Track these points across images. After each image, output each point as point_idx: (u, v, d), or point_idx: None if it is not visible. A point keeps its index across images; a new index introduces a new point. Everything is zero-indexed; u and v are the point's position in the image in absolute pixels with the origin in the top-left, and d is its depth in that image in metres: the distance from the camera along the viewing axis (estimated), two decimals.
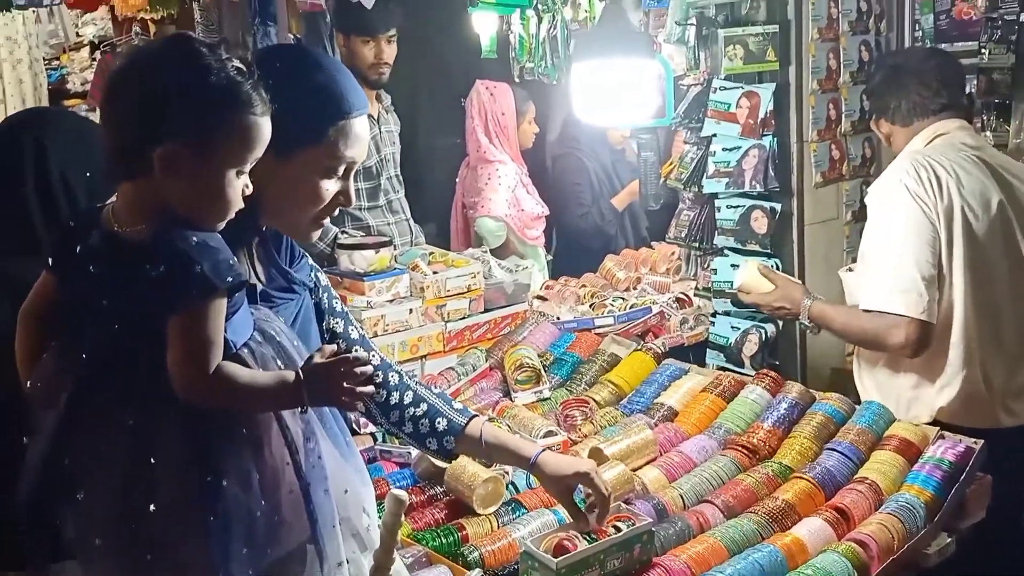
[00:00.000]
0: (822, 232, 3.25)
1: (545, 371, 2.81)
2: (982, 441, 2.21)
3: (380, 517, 1.56)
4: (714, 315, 3.26)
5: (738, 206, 3.11)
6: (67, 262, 1.42)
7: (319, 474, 1.47)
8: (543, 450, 1.92)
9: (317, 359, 1.45)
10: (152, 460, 1.36)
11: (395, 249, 3.19)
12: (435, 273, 3.11)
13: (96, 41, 6.87)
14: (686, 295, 3.47)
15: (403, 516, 1.56)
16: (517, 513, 2.12)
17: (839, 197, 3.30)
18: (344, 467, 1.54)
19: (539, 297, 3.71)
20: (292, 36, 5.12)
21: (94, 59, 6.80)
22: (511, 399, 2.73)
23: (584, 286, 3.95)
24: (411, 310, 3.00)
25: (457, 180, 4.78)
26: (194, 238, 1.35)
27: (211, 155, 1.37)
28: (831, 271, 3.32)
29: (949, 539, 2.09)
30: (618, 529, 1.87)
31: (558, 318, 3.43)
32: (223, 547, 1.37)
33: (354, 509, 1.56)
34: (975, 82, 3.10)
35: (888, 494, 2.13)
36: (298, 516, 1.45)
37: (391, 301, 2.99)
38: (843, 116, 3.25)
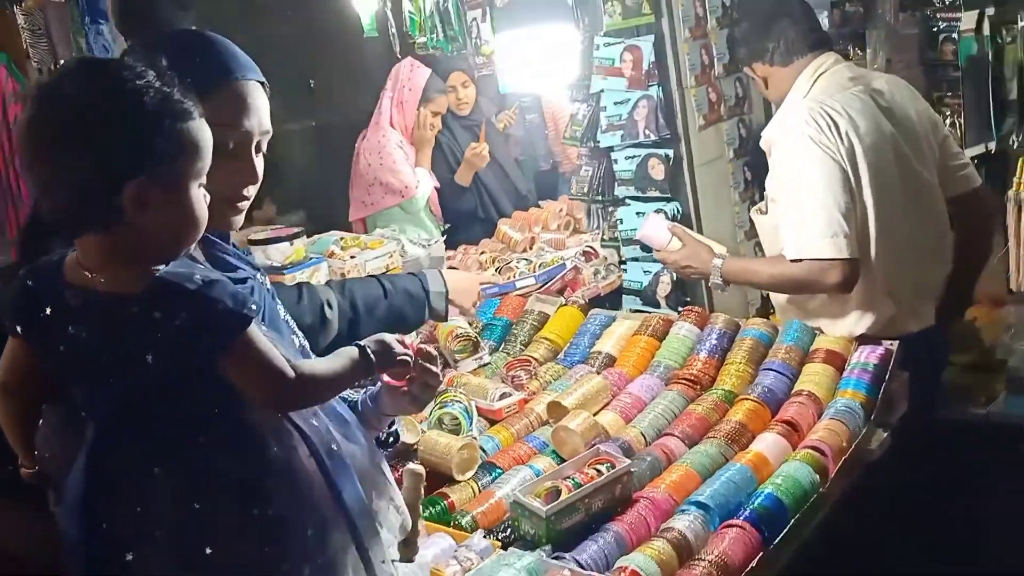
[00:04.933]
0: (710, 172, 3.44)
1: (480, 337, 2.89)
2: (898, 342, 2.44)
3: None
4: (623, 262, 3.41)
5: (634, 156, 3.25)
6: (38, 326, 1.37)
7: (345, 471, 1.46)
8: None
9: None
10: (197, 505, 1.34)
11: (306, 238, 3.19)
12: (352, 257, 3.13)
13: None
14: (592, 248, 3.60)
15: (422, 489, 1.62)
16: (494, 474, 2.21)
17: (720, 137, 3.50)
18: (359, 454, 1.53)
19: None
20: None
21: None
22: (453, 369, 2.79)
23: (484, 252, 4.02)
24: None
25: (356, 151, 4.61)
26: (196, 276, 1.32)
27: (177, 179, 1.34)
28: (721, 208, 3.54)
29: (885, 434, 2.31)
30: (600, 472, 1.99)
31: None
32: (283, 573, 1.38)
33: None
34: (829, 16, 3.33)
35: (826, 402, 2.33)
36: (336, 520, 1.43)
37: None
38: (715, 60, 3.43)
